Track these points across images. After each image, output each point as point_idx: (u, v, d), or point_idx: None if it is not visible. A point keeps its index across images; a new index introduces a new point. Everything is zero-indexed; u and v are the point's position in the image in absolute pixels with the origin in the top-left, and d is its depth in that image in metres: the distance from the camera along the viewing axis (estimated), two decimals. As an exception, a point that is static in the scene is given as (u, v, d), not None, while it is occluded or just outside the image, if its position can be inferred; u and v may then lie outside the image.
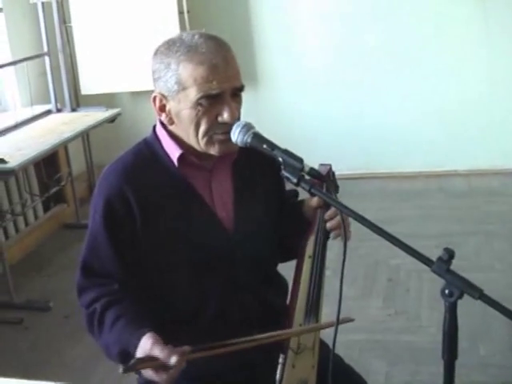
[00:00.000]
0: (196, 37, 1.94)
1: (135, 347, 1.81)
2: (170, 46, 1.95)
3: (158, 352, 1.77)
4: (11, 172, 4.28)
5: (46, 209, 5.70)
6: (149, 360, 1.77)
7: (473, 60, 5.92)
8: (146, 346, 1.79)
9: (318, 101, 6.28)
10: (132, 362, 1.77)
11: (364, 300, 4.20)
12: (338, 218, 2.01)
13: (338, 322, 1.87)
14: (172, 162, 2.02)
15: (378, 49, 6.06)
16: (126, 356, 1.83)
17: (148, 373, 1.79)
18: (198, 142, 1.96)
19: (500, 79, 5.90)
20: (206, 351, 1.85)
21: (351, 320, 2.07)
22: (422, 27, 5.95)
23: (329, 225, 2.05)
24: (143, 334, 1.82)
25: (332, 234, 2.06)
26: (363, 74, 6.14)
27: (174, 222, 2.01)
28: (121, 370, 1.73)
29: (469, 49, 5.92)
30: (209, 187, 2.07)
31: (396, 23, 5.99)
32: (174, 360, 1.75)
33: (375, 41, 6.05)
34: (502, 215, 5.25)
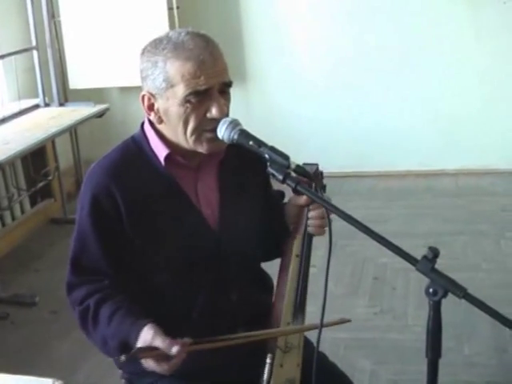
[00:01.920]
0: (183, 34, 1.93)
1: (136, 338, 1.82)
2: (156, 45, 1.94)
3: (160, 342, 1.78)
4: (-2, 166, 4.27)
5: (33, 203, 5.67)
6: (150, 350, 1.78)
7: (464, 61, 5.93)
8: (147, 336, 1.81)
9: (307, 100, 6.28)
10: (133, 351, 1.79)
11: (350, 298, 4.20)
12: (322, 214, 2.01)
13: (323, 320, 1.87)
14: (159, 160, 2.02)
15: (369, 48, 6.05)
16: (125, 348, 1.83)
17: (149, 363, 1.80)
18: (187, 140, 1.95)
19: (490, 80, 5.91)
20: (207, 344, 1.87)
21: (347, 321, 2.07)
22: (413, 27, 5.95)
23: (311, 222, 2.05)
24: (144, 325, 1.83)
25: (312, 229, 2.06)
26: (353, 74, 6.13)
27: (160, 220, 2.01)
28: (123, 358, 1.75)
29: (461, 50, 5.92)
30: (194, 186, 2.07)
31: (388, 21, 5.98)
32: (175, 350, 1.77)
33: (366, 39, 6.05)
34: (489, 215, 5.27)
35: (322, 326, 1.88)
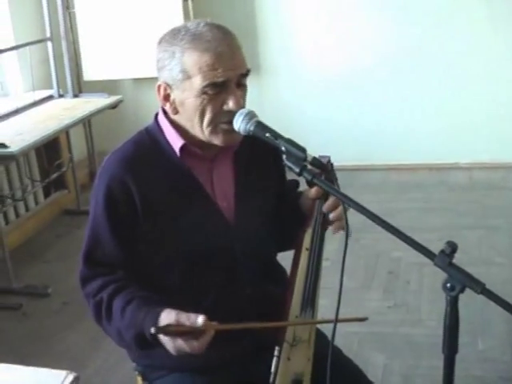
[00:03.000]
0: (201, 25, 1.92)
1: (154, 326, 1.78)
2: (174, 35, 1.93)
3: (185, 318, 1.76)
4: (12, 157, 4.28)
5: (47, 194, 5.69)
6: (178, 326, 1.77)
7: (475, 53, 5.90)
8: (171, 317, 1.78)
9: (319, 92, 6.26)
10: (164, 325, 1.77)
11: (364, 292, 4.19)
12: (339, 209, 2.00)
13: (338, 314, 1.86)
14: (174, 151, 2.01)
15: (381, 42, 6.04)
16: (142, 339, 1.82)
17: (178, 342, 1.77)
18: (203, 132, 1.94)
19: (502, 73, 5.87)
20: (232, 325, 1.87)
21: (364, 319, 2.06)
22: (423, 22, 5.92)
23: (332, 216, 2.03)
24: (161, 311, 1.81)
25: (333, 227, 2.04)
26: (366, 66, 6.11)
27: (175, 211, 2.00)
28: (153, 330, 1.73)
29: (471, 42, 5.89)
30: (210, 177, 2.06)
31: (397, 20, 5.96)
32: (201, 319, 1.74)
33: (377, 34, 6.03)
34: (503, 209, 5.24)
35: (337, 320, 1.87)
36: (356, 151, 6.24)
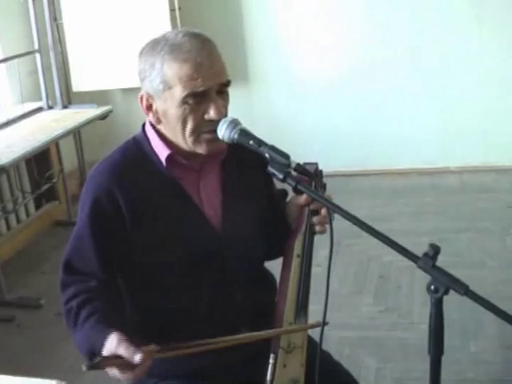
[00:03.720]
0: (180, 35, 1.93)
1: (101, 347, 1.79)
2: (154, 46, 1.94)
3: (123, 350, 1.75)
4: (2, 169, 4.28)
5: (38, 206, 5.69)
6: (114, 358, 1.75)
7: (467, 59, 5.92)
8: (112, 345, 1.77)
9: (310, 99, 6.28)
10: (96, 359, 1.75)
11: (355, 297, 4.19)
12: (323, 211, 2.01)
13: (325, 319, 1.87)
14: (160, 161, 2.01)
15: (372, 47, 6.06)
16: (92, 355, 1.81)
17: (113, 371, 1.77)
18: (186, 141, 1.95)
19: (492, 76, 5.90)
20: (174, 350, 1.85)
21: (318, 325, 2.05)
22: (420, 30, 5.94)
23: (315, 219, 2.04)
24: (109, 334, 1.80)
25: (317, 228, 2.06)
26: (356, 72, 6.13)
27: (163, 221, 2.01)
28: (84, 368, 1.71)
29: (462, 47, 5.92)
30: (197, 186, 2.07)
31: (389, 21, 5.98)
32: (138, 358, 1.72)
33: (368, 39, 6.05)
34: (493, 212, 5.26)
35: (324, 324, 1.88)
36: (348, 157, 6.26)
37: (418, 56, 5.97)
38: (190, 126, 1.92)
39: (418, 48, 5.96)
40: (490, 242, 4.77)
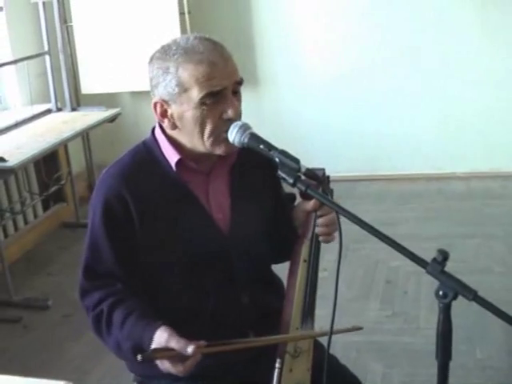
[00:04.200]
0: (191, 39, 1.95)
1: (150, 341, 1.83)
2: (165, 51, 1.96)
3: (175, 343, 1.78)
4: (11, 171, 4.30)
5: (46, 208, 5.71)
6: (166, 351, 1.79)
7: (473, 63, 5.91)
8: (162, 338, 1.81)
9: (318, 103, 6.28)
10: (149, 351, 1.80)
11: (362, 301, 4.19)
12: (331, 216, 2.01)
13: (332, 327, 1.88)
14: (170, 165, 2.03)
15: (380, 52, 6.05)
16: (139, 351, 1.82)
17: (165, 364, 1.80)
18: (204, 143, 1.96)
19: (500, 82, 5.89)
20: (221, 346, 1.87)
21: (359, 328, 2.07)
22: (422, 31, 5.94)
23: (320, 230, 2.04)
24: (158, 328, 1.84)
25: (321, 238, 2.06)
26: (364, 77, 6.13)
27: (171, 224, 2.02)
28: (139, 357, 1.75)
29: (469, 51, 5.91)
30: (206, 190, 2.08)
31: (396, 26, 5.98)
32: (190, 349, 1.76)
33: (377, 44, 6.04)
34: (500, 218, 5.25)
35: (331, 332, 1.89)
36: (356, 162, 6.26)
37: (427, 62, 5.97)
38: (208, 126, 1.93)
39: (427, 54, 5.96)
40: (497, 247, 4.77)
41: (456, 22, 5.88)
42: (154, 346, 1.82)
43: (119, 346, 1.95)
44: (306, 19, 6.14)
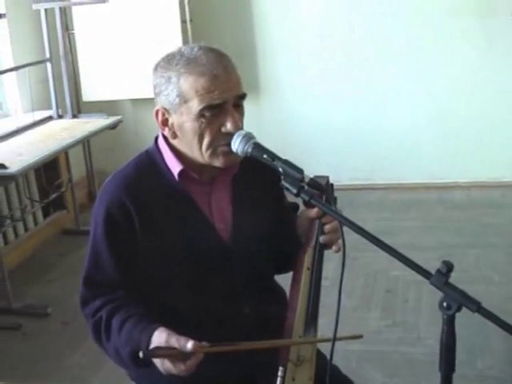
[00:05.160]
0: (195, 49, 1.95)
1: (148, 343, 1.81)
2: (169, 60, 1.96)
3: (175, 341, 1.77)
4: (11, 177, 4.28)
5: (46, 215, 5.70)
6: (167, 349, 1.78)
7: (474, 72, 5.93)
8: (161, 338, 1.80)
9: (319, 111, 6.29)
10: (151, 349, 1.78)
11: (362, 311, 4.19)
12: (335, 223, 2.01)
13: (336, 333, 1.87)
14: (172, 175, 2.03)
15: (381, 61, 6.07)
16: (137, 356, 1.81)
17: (166, 364, 1.78)
18: (202, 155, 1.96)
19: (501, 90, 5.90)
20: (223, 347, 1.85)
21: (359, 336, 2.07)
22: (424, 38, 5.96)
23: (325, 238, 2.04)
24: (155, 329, 1.83)
25: (331, 247, 2.05)
26: (365, 86, 6.15)
27: (173, 234, 2.02)
28: (141, 354, 1.74)
29: (469, 60, 5.92)
30: (208, 200, 2.08)
31: (399, 33, 5.99)
32: (190, 345, 1.75)
33: (378, 52, 6.06)
34: (501, 227, 5.25)
35: (335, 339, 1.88)
36: (356, 171, 6.26)
37: (429, 71, 5.99)
38: (206, 139, 1.93)
39: (428, 63, 5.97)
40: (497, 257, 4.76)
41: (456, 30, 5.88)
42: (153, 346, 1.80)
43: (118, 353, 1.94)
44: (307, 26, 6.15)
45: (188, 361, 1.77)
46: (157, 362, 1.81)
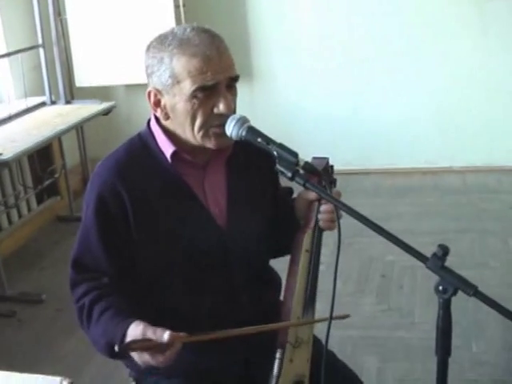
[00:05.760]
0: (188, 30, 1.93)
1: (123, 337, 1.78)
2: (162, 41, 1.94)
3: (151, 333, 1.75)
4: (5, 164, 4.27)
5: (40, 201, 5.68)
6: (143, 341, 1.75)
7: (469, 57, 5.91)
8: (137, 330, 1.77)
9: (313, 97, 6.28)
10: (126, 342, 1.76)
11: (357, 296, 4.19)
12: (333, 208, 2.00)
13: (332, 317, 1.87)
14: (166, 158, 2.01)
15: (375, 46, 6.05)
16: (112, 348, 1.80)
17: (144, 357, 1.76)
18: (195, 136, 1.94)
19: (496, 76, 5.89)
20: (202, 336, 1.83)
21: (346, 316, 2.06)
22: (419, 25, 5.93)
23: (322, 216, 2.03)
24: (131, 323, 1.80)
25: (323, 224, 2.04)
26: (359, 71, 6.13)
27: (167, 218, 2.00)
28: (116, 348, 1.74)
29: (465, 46, 5.91)
30: (202, 184, 2.06)
31: (393, 20, 5.97)
32: (167, 336, 1.72)
33: (372, 38, 6.04)
34: (496, 212, 5.26)
35: (331, 318, 1.88)
36: (350, 156, 6.24)
37: (423, 57, 5.96)
38: (199, 120, 1.91)
39: (423, 49, 5.95)
40: (493, 242, 4.76)
41: (452, 17, 5.87)
42: (129, 339, 1.78)
43: (96, 341, 1.93)
44: (302, 12, 6.12)
45: (166, 351, 1.74)
46: (134, 354, 1.79)
